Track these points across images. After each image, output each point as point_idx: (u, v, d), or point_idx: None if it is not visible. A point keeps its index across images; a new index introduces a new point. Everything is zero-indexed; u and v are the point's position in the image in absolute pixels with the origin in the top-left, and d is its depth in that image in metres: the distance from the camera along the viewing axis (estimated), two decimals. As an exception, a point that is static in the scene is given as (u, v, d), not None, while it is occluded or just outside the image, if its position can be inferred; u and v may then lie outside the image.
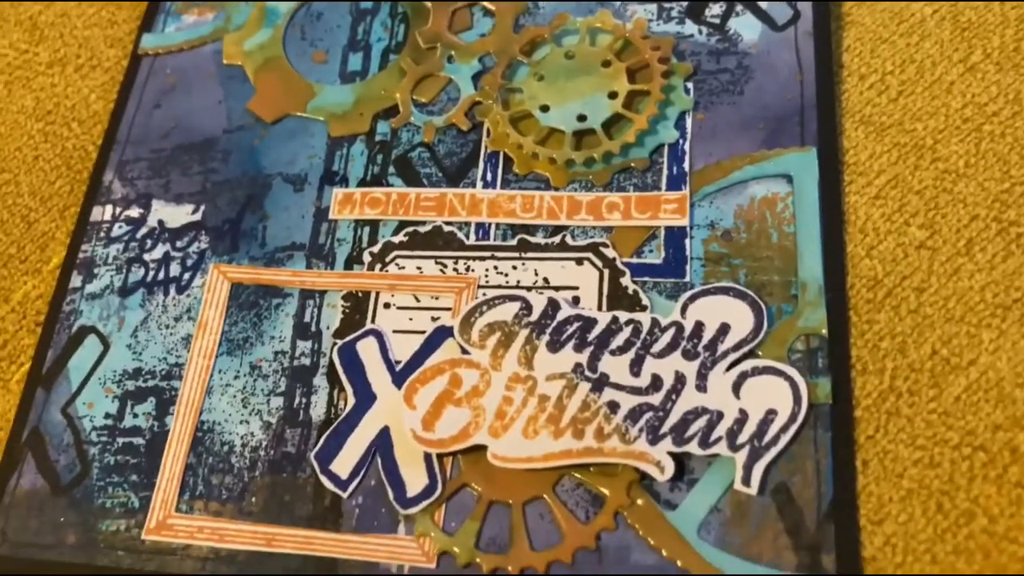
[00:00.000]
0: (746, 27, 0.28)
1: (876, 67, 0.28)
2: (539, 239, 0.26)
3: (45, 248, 0.29)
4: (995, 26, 0.27)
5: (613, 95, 0.27)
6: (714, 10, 0.28)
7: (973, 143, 0.26)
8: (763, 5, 0.28)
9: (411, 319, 0.26)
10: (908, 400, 0.23)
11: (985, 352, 0.23)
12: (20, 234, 0.30)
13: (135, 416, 0.26)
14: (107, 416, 0.26)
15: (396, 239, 0.27)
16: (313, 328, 0.26)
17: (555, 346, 0.24)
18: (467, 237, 0.26)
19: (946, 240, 0.25)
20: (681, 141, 0.27)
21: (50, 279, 0.29)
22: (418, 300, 0.26)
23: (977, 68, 0.27)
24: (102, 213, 0.29)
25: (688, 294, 0.24)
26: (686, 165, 0.26)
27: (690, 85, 0.28)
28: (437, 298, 0.26)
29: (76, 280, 0.28)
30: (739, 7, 0.28)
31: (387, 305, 0.26)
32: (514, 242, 0.26)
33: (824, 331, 0.24)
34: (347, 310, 0.26)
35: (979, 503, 0.22)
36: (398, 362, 0.25)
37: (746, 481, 0.22)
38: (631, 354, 0.24)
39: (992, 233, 0.25)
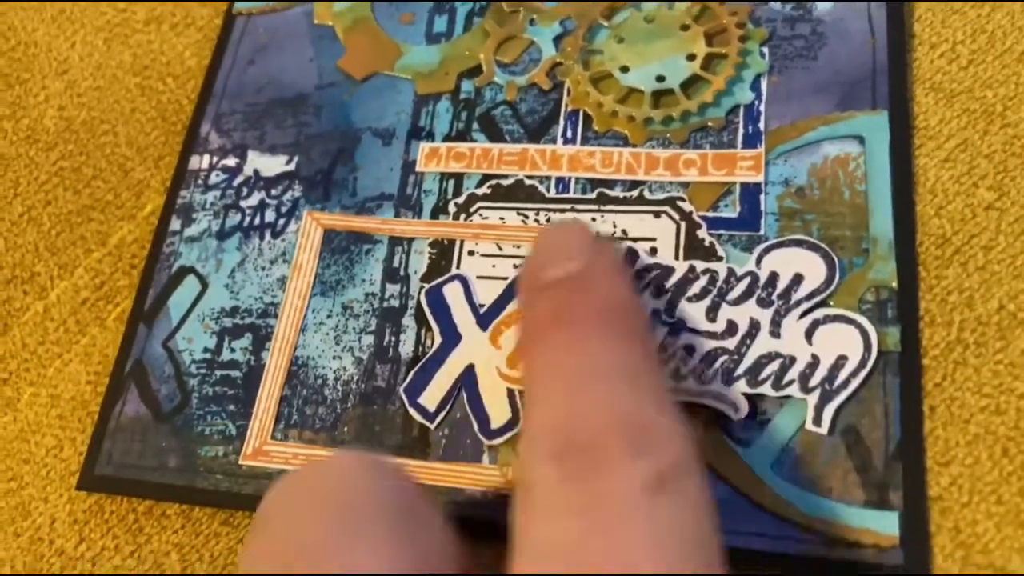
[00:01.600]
0: (820, -5, 0.29)
1: (947, 36, 0.28)
2: (617, 193, 0.27)
3: (140, 195, 0.31)
4: (1066, -3, 0.28)
5: (691, 57, 0.28)
6: (789, -22, 0.29)
7: (1042, 110, 0.27)
8: (838, -26, 0.29)
9: (494, 266, 0.27)
10: (975, 351, 0.24)
11: (1052, 307, 0.24)
12: (117, 182, 0.31)
13: (232, 351, 0.27)
14: (206, 350, 0.27)
15: (480, 191, 0.28)
16: (402, 272, 0.27)
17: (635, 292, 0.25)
18: (548, 191, 0.28)
19: (1014, 202, 0.26)
20: (756, 102, 0.28)
21: (144, 225, 0.30)
22: (500, 248, 0.27)
23: (1048, 38, 0.28)
24: (200, 162, 0.30)
25: (763, 245, 0.25)
26: (761, 125, 0.27)
27: (765, 50, 0.29)
28: (519, 247, 0.27)
29: (175, 224, 0.29)
30: (814, -24, 0.29)
31: (471, 252, 0.27)
32: (593, 195, 0.27)
33: (894, 283, 0.25)
34: (433, 256, 0.27)
35: (1044, 452, 0.23)
36: (482, 305, 0.26)
37: (817, 421, 0.24)
38: (707, 301, 0.25)
39: (1060, 195, 0.26)
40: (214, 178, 0.30)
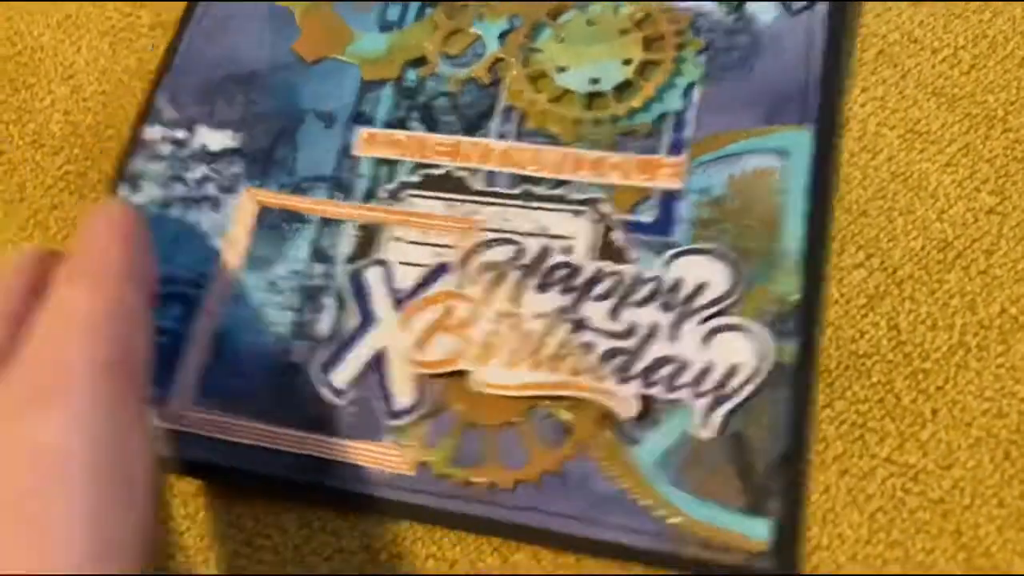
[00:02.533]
0: (763, 9, 0.29)
1: (949, 41, 0.29)
2: (542, 190, 0.28)
3: None
4: (1069, 2, 0.28)
5: (627, 62, 0.29)
6: (734, -10, 0.30)
7: (1044, 115, 0.27)
8: (781, -12, 0.29)
9: (416, 253, 0.28)
10: (977, 355, 0.25)
11: (1053, 311, 0.25)
12: None
13: (162, 319, 0.28)
14: (138, 315, 0.28)
15: (411, 179, 0.29)
16: (328, 253, 0.28)
17: (543, 288, 0.26)
18: (475, 183, 0.28)
19: (1015, 206, 0.26)
20: (685, 110, 0.28)
21: None
22: (424, 236, 0.28)
23: (1049, 43, 0.28)
24: (152, 132, 0.31)
25: (672, 251, 0.26)
26: (687, 133, 0.28)
27: (702, 59, 0.29)
28: (442, 236, 0.28)
29: (123, 190, 0.30)
30: (759, -11, 0.30)
31: (397, 238, 0.28)
32: (518, 191, 0.28)
33: (795, 296, 0.25)
34: (360, 239, 0.28)
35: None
36: (400, 291, 0.27)
37: (704, 425, 0.24)
38: (612, 301, 0.26)
39: (1061, 200, 0.26)
40: (163, 149, 0.31)
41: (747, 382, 0.24)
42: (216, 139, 0.31)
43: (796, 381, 0.25)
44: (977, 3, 0.29)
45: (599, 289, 0.26)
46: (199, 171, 0.30)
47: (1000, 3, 0.29)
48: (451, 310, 0.26)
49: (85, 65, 0.34)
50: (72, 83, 0.34)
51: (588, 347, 0.25)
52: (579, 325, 0.25)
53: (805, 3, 0.29)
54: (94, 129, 0.33)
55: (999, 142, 0.27)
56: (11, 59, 0.34)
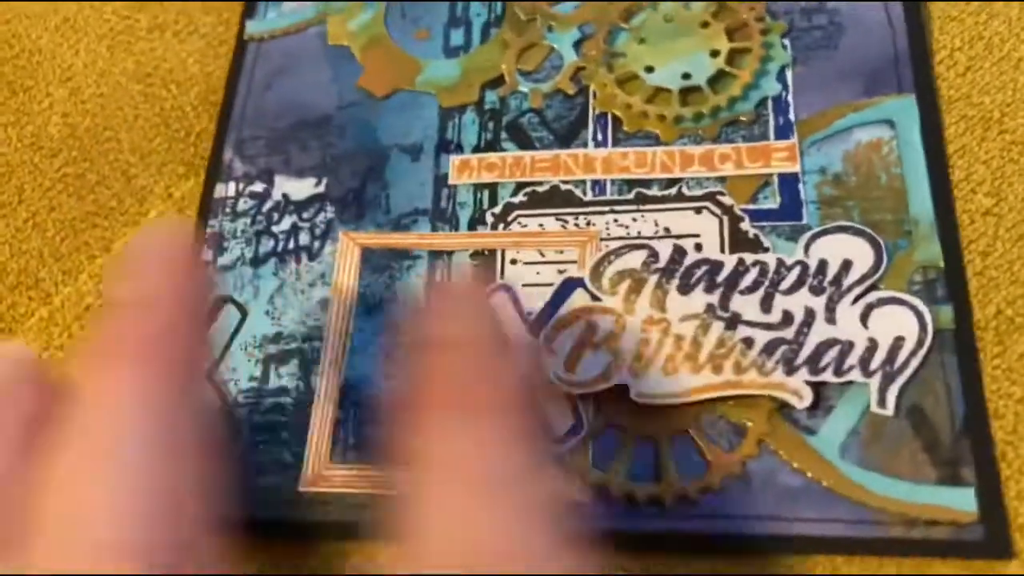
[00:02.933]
0: (834, -15, 0.29)
1: (945, 43, 0.29)
2: (655, 192, 0.27)
3: (144, 201, 0.31)
4: (1064, 4, 0.29)
5: (715, 53, 0.29)
6: (801, -29, 0.30)
7: (1039, 116, 0.27)
8: (849, -36, 0.29)
9: (538, 273, 0.27)
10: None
11: (1049, 312, 0.25)
12: (120, 188, 0.31)
13: (280, 377, 0.27)
14: (251, 379, 0.27)
15: (516, 199, 0.28)
16: (445, 286, 0.27)
17: (686, 289, 0.25)
18: (584, 194, 0.28)
19: (1011, 207, 0.26)
20: (784, 93, 0.28)
21: None
22: (543, 255, 0.27)
23: (1044, 44, 0.28)
24: (225, 190, 0.30)
25: (809, 234, 0.26)
26: (791, 115, 0.28)
27: (787, 42, 0.29)
28: (562, 252, 0.27)
29: (207, 254, 0.29)
30: (825, -33, 0.30)
31: (514, 261, 0.27)
32: (631, 195, 0.27)
33: (940, 262, 0.25)
34: (477, 268, 0.27)
35: (1040, 453, 0.23)
36: (530, 313, 0.26)
37: (881, 403, 0.24)
38: (760, 292, 0.25)
39: (1057, 201, 0.26)
40: (242, 205, 0.29)
41: (913, 353, 0.24)
42: (298, 187, 0.29)
43: (959, 345, 0.24)
44: (974, 5, 0.29)
45: (745, 282, 0.25)
46: (287, 222, 0.29)
47: (996, 4, 0.29)
48: (593, 325, 0.25)
49: (83, 68, 0.34)
50: (70, 85, 0.33)
51: (748, 342, 0.24)
52: (733, 321, 0.25)
53: (873, -24, 0.29)
54: (92, 131, 0.32)
55: (995, 144, 0.27)
56: (9, 62, 0.34)
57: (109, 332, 0.18)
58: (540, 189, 0.28)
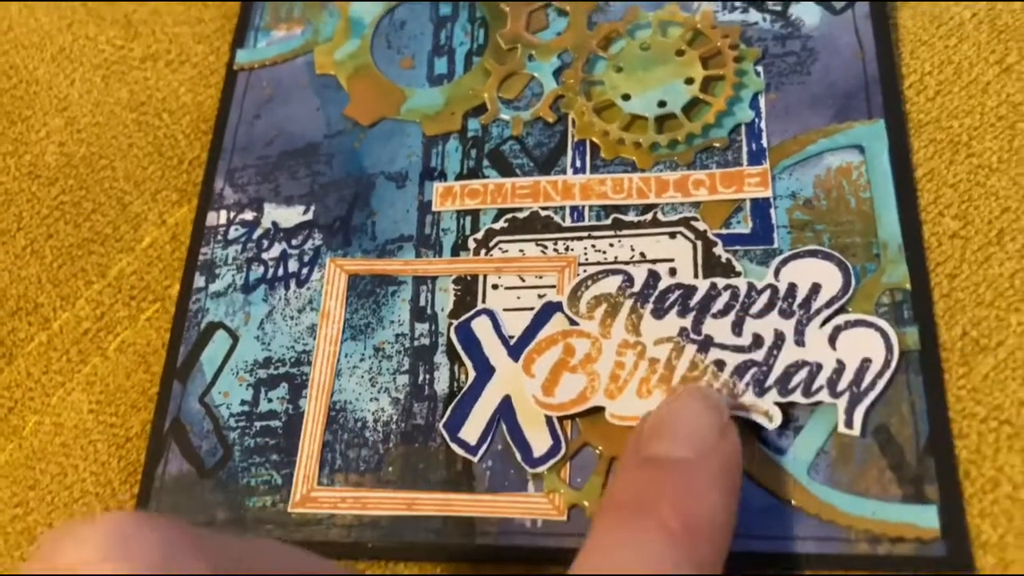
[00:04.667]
0: (806, 12, 0.30)
1: (915, 68, 0.29)
2: (632, 217, 0.28)
3: (138, 228, 0.32)
4: (1031, 29, 0.29)
5: (690, 81, 0.29)
6: (775, -2, 0.30)
7: (1007, 140, 0.28)
8: (820, -9, 0.30)
9: (519, 297, 0.28)
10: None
11: (1013, 334, 0.25)
12: (115, 215, 0.32)
13: (270, 401, 0.28)
14: (243, 403, 0.28)
15: (497, 225, 0.29)
16: (429, 311, 0.28)
17: (659, 313, 0.26)
18: (563, 220, 0.29)
19: (978, 230, 0.27)
20: (757, 120, 0.29)
21: (143, 257, 0.31)
22: (523, 280, 0.28)
23: (1012, 69, 0.29)
24: (217, 218, 0.31)
25: (779, 258, 0.26)
26: (764, 141, 0.28)
27: (760, 68, 0.30)
28: (541, 277, 0.28)
29: (199, 281, 0.30)
30: (798, -6, 0.30)
31: (495, 286, 0.28)
32: (608, 221, 0.28)
33: (907, 285, 0.26)
34: (459, 292, 0.28)
35: (1004, 472, 0.24)
36: (511, 336, 0.27)
37: (849, 424, 0.24)
38: (732, 316, 0.26)
39: (1023, 224, 0.27)
40: (233, 232, 0.30)
41: (880, 374, 0.25)
42: (287, 215, 0.30)
43: (924, 366, 0.25)
44: (943, 29, 0.30)
45: (717, 305, 0.26)
46: (276, 249, 0.30)
47: (966, 27, 0.30)
48: (571, 348, 0.26)
49: (79, 97, 0.35)
50: (66, 115, 0.34)
51: (719, 365, 0.25)
52: (705, 344, 0.26)
53: (846, 2, 0.30)
54: (88, 160, 0.33)
55: (963, 167, 0.28)
56: (7, 92, 0.35)
57: (634, 486, 0.21)
58: (520, 215, 0.29)
